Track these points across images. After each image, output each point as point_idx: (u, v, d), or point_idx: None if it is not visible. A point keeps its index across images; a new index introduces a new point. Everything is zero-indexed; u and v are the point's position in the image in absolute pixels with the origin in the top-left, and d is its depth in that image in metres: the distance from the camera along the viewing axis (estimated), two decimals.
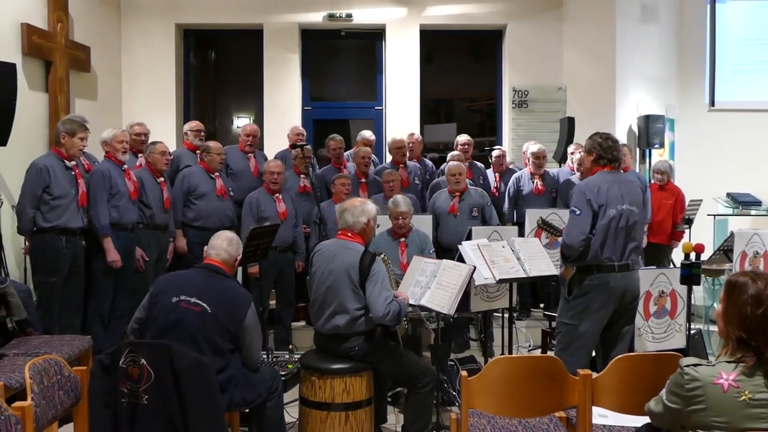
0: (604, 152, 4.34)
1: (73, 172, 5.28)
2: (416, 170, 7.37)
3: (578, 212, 4.23)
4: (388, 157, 8.59)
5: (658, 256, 7.45)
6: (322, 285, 4.10)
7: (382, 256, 4.29)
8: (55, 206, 5.13)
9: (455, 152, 7.23)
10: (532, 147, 7.18)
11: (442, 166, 7.60)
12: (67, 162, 5.25)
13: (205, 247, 3.86)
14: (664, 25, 10.04)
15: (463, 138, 7.62)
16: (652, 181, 7.75)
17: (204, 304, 3.55)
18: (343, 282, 4.00)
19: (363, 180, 6.87)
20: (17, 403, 2.74)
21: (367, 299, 3.95)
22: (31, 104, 6.31)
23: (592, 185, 4.24)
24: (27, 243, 5.28)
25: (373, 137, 7.76)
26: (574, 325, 4.27)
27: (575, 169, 7.08)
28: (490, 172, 7.62)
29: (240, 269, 5.33)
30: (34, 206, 5.09)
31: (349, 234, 4.17)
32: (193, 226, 6.18)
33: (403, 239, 5.56)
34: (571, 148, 7.39)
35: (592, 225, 4.20)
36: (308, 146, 6.68)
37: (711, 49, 10.51)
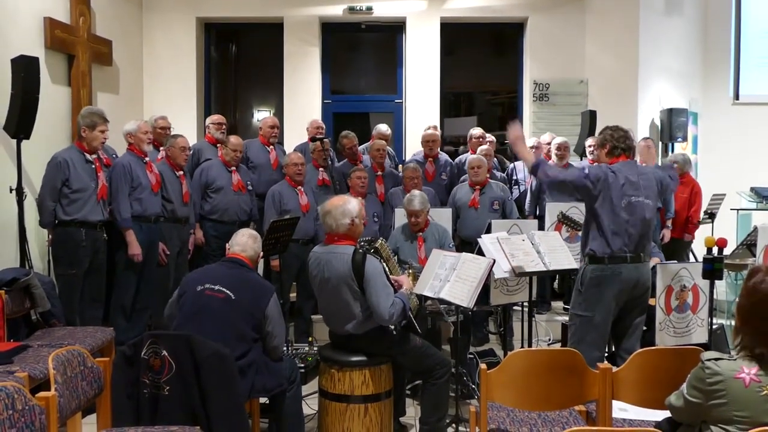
0: (617, 142, 4.32)
1: (93, 166, 5.32)
2: (446, 165, 7.31)
3: (585, 172, 4.24)
4: (408, 151, 8.62)
5: (676, 251, 7.36)
6: (322, 293, 4.08)
7: (380, 241, 4.24)
8: (74, 199, 5.18)
9: (484, 147, 7.17)
10: (556, 138, 7.12)
11: (457, 159, 7.57)
12: (87, 155, 5.30)
13: (227, 244, 3.96)
14: (688, 18, 9.93)
15: (477, 131, 7.56)
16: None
17: (228, 292, 3.63)
18: (341, 289, 3.94)
19: (379, 173, 6.85)
20: (41, 394, 2.78)
21: (369, 304, 3.89)
22: (53, 98, 6.37)
23: (610, 170, 4.22)
24: (50, 235, 5.34)
25: (389, 131, 7.73)
26: (588, 317, 4.25)
27: (593, 162, 7.03)
28: (520, 164, 7.51)
29: (261, 262, 5.37)
30: (54, 199, 5.14)
31: (336, 237, 4.05)
32: (210, 219, 6.23)
33: (420, 234, 5.55)
34: (589, 141, 7.34)
35: (579, 197, 4.29)
36: (327, 139, 6.68)
37: (736, 42, 10.37)
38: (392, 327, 4.05)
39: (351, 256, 3.90)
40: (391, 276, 4.10)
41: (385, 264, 4.07)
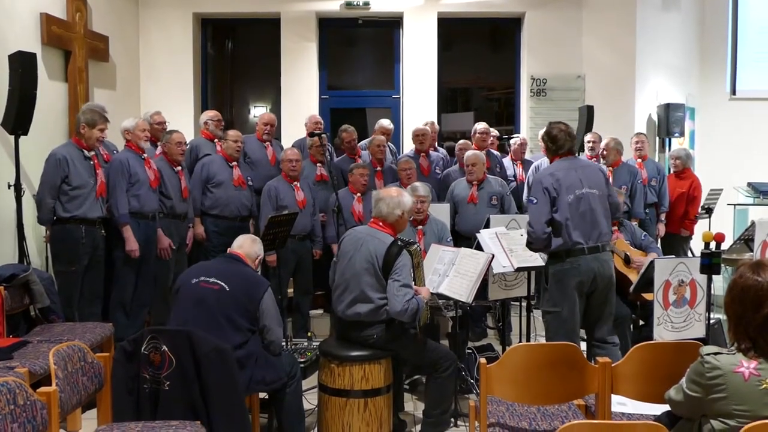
0: (552, 142, 4.50)
1: (92, 162, 5.30)
2: (438, 160, 7.33)
3: (535, 201, 4.37)
4: (406, 146, 8.60)
5: (672, 245, 7.37)
6: (347, 271, 4.10)
7: (416, 246, 4.27)
8: (74, 196, 5.16)
9: (462, 141, 7.25)
10: None
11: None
12: (86, 152, 5.28)
13: (229, 249, 4.06)
14: (686, 13, 9.92)
15: (481, 126, 7.50)
16: (672, 170, 7.69)
17: (222, 284, 3.69)
18: (367, 271, 3.99)
19: (378, 168, 6.84)
20: (42, 389, 2.79)
21: (387, 293, 3.94)
22: (50, 94, 6.35)
23: (547, 174, 4.38)
24: (48, 232, 5.33)
25: (391, 126, 7.72)
26: (557, 312, 4.36)
27: (592, 158, 7.04)
28: (507, 160, 7.57)
29: None
30: (54, 196, 5.11)
31: (381, 223, 4.15)
32: (211, 214, 6.22)
33: (420, 227, 5.55)
34: (588, 137, 7.35)
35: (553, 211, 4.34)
36: (325, 135, 6.67)
37: (733, 37, 10.38)
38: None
39: (388, 245, 3.99)
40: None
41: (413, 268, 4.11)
